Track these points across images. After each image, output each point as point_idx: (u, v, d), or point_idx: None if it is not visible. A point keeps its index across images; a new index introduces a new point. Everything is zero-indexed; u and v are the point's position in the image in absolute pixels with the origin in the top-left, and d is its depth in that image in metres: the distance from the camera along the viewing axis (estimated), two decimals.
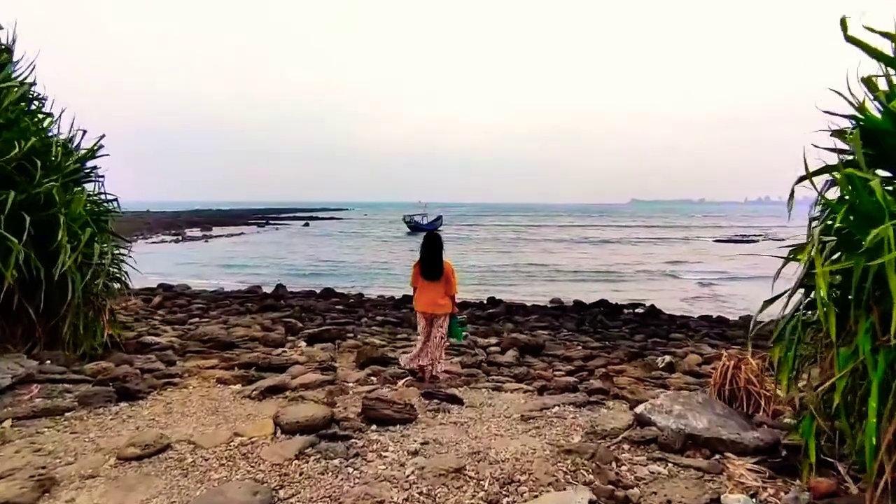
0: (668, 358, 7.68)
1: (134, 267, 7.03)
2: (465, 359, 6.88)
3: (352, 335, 9.02)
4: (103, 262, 4.92)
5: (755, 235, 49.85)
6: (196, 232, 51.20)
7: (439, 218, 63.38)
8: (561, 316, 12.32)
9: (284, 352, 6.92)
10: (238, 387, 4.36)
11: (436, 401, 4.20)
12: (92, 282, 4.76)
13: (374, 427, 3.38)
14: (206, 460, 2.76)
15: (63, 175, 4.74)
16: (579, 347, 8.87)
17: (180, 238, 44.61)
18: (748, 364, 4.92)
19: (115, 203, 5.80)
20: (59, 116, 6.00)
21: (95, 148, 5.32)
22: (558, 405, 4.14)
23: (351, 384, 5.17)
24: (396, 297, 16.08)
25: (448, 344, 5.61)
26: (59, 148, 4.80)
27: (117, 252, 6.55)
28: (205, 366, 5.23)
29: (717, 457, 2.91)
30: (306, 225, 68.50)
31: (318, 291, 17.05)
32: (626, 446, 3.15)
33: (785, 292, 2.77)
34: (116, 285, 6.36)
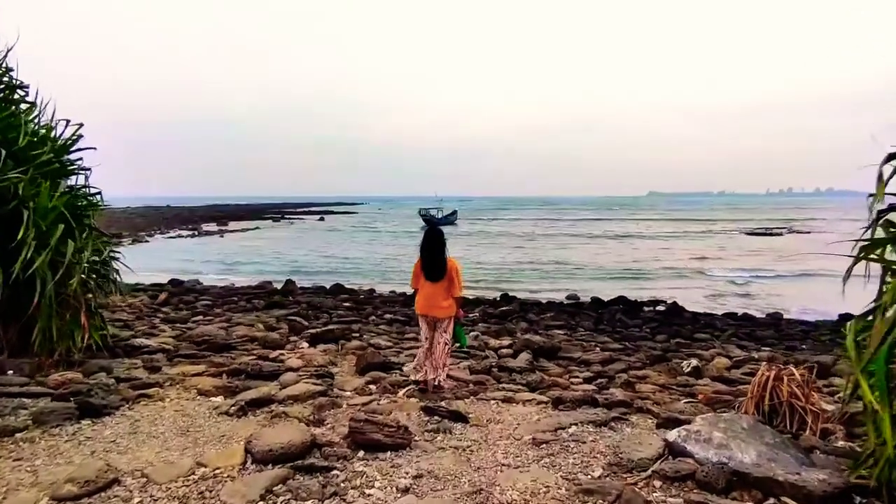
0: (693, 362, 7.11)
1: (125, 264, 6.73)
2: (473, 363, 6.39)
3: (357, 335, 8.60)
4: (77, 259, 4.53)
5: (779, 228, 48.38)
6: (212, 226, 51.48)
7: (455, 212, 62.79)
8: (577, 314, 11.75)
9: (282, 355, 6.51)
10: (219, 399, 3.95)
11: (436, 418, 3.74)
12: (65, 281, 4.38)
13: (361, 454, 2.93)
14: (156, 501, 2.33)
15: (34, 167, 4.36)
16: (597, 349, 8.33)
17: (196, 233, 44.88)
18: (791, 375, 4.37)
19: (97, 197, 5.42)
20: (44, 107, 5.74)
21: (72, 139, 4.94)
22: (575, 424, 3.64)
23: (348, 393, 4.74)
24: (408, 294, 15.69)
25: (453, 349, 5.13)
26: (28, 138, 4.41)
27: (109, 249, 6.23)
28: (190, 373, 4.83)
29: (772, 501, 2.39)
30: (321, 219, 68.50)
31: (328, 287, 16.72)
32: (656, 483, 2.64)
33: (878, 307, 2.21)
34: (107, 284, 6.06)
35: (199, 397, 3.99)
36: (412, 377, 4.75)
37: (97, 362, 4.57)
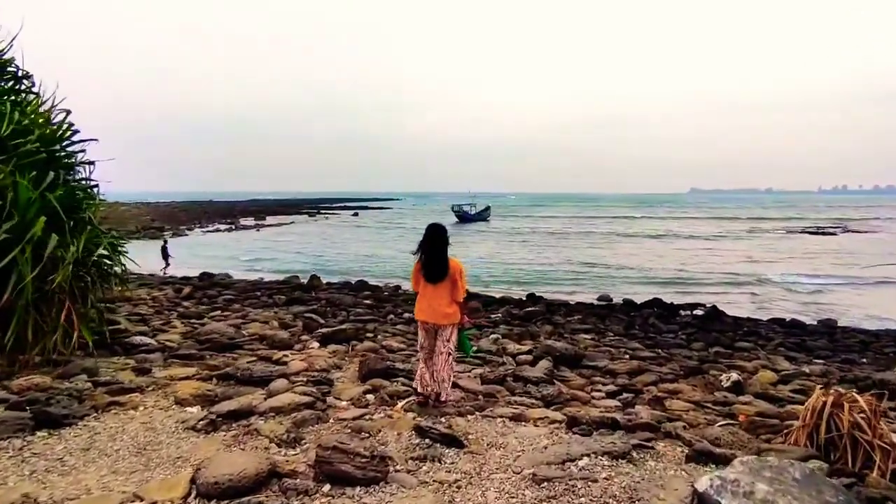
0: (734, 375, 6.40)
1: (132, 259, 6.57)
2: (487, 370, 5.91)
3: (371, 334, 8.25)
4: (63, 254, 4.29)
5: (833, 227, 45.60)
6: (249, 221, 52.64)
7: (488, 208, 62.03)
8: (608, 316, 11.06)
9: (285, 356, 6.20)
10: (195, 410, 3.62)
11: (427, 441, 3.29)
12: (47, 276, 4.16)
13: (326, 488, 2.51)
14: None
15: (17, 156, 4.14)
16: (626, 357, 7.69)
17: (234, 227, 45.93)
18: (854, 402, 3.71)
19: (95, 190, 5.21)
20: (55, 100, 5.58)
21: (64, 130, 4.72)
22: (588, 455, 3.12)
23: (343, 403, 4.35)
24: None
25: (458, 358, 4.67)
26: (13, 127, 4.20)
27: (105, 243, 6.07)
28: (179, 376, 4.55)
29: None
30: (355, 215, 69.10)
31: (353, 283, 16.53)
32: None
33: None
34: (109, 279, 5.89)
35: (174, 407, 3.67)
36: (415, 388, 4.32)
37: (81, 363, 4.33)
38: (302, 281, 16.81)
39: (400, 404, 4.27)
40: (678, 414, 4.85)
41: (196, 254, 25.44)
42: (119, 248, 6.57)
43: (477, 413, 4.20)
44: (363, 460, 2.58)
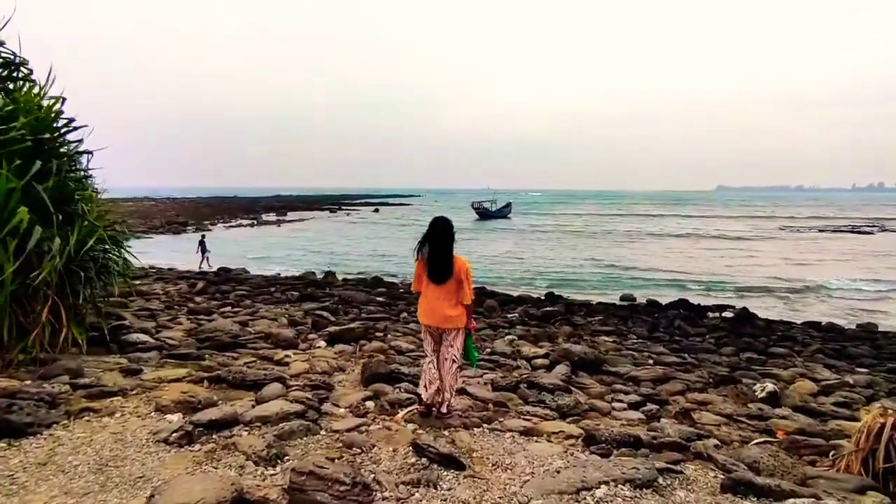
0: (769, 385, 5.89)
1: (132, 254, 6.37)
2: (499, 375, 5.52)
3: (381, 334, 7.94)
4: (48, 248, 4.05)
5: (868, 226, 43.71)
6: (271, 216, 53.12)
7: (508, 205, 61.30)
8: (631, 317, 10.53)
9: (288, 357, 5.92)
10: (175, 417, 3.33)
11: (424, 460, 2.93)
12: (30, 272, 3.92)
13: None
14: None
15: (1, 145, 3.91)
16: (650, 362, 7.21)
17: (256, 222, 46.39)
18: None
19: (89, 182, 4.99)
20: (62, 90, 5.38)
21: (53, 116, 4.49)
22: (607, 482, 2.72)
23: (341, 411, 4.03)
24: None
25: (463, 366, 4.30)
26: None
27: (97, 237, 5.90)
28: (169, 378, 4.28)
29: None
30: (376, 211, 69.16)
31: (368, 279, 16.30)
32: None
33: None
34: (107, 275, 5.68)
35: (153, 414, 3.39)
36: (419, 392, 3.96)
37: (65, 363, 4.08)
38: (318, 277, 16.67)
39: (401, 414, 3.92)
40: (709, 429, 4.40)
41: (216, 248, 25.62)
42: (121, 243, 6.39)
43: (484, 426, 3.82)
44: (342, 488, 2.23)
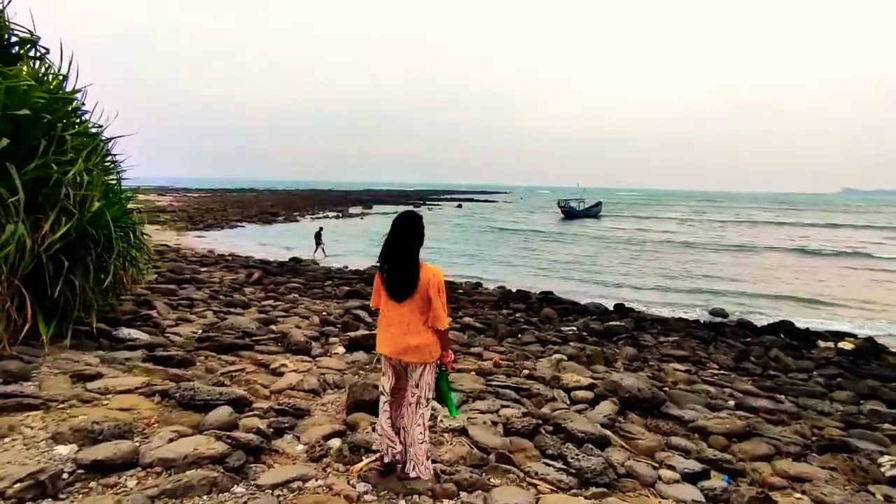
0: None
1: (143, 242, 6.10)
2: (520, 412, 4.41)
3: None
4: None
5: None
6: (357, 209, 54.69)
7: (598, 204, 57.92)
8: (714, 341, 8.77)
9: (284, 366, 5.27)
10: (66, 451, 2.70)
11: None
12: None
13: None
14: None
15: None
16: (731, 403, 5.69)
17: (341, 214, 47.92)
18: None
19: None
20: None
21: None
22: None
23: (296, 449, 3.28)
24: (513, 291, 13.88)
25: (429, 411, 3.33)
26: None
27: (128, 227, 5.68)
28: (117, 388, 3.74)
29: None
30: (459, 206, 68.83)
31: None
32: None
33: None
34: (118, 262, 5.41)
35: (44, 442, 2.79)
36: (376, 445, 3.06)
37: (4, 364, 3.67)
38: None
39: (357, 467, 3.04)
40: None
41: (294, 239, 26.39)
42: (135, 233, 6.15)
43: (461, 497, 2.83)
44: None
